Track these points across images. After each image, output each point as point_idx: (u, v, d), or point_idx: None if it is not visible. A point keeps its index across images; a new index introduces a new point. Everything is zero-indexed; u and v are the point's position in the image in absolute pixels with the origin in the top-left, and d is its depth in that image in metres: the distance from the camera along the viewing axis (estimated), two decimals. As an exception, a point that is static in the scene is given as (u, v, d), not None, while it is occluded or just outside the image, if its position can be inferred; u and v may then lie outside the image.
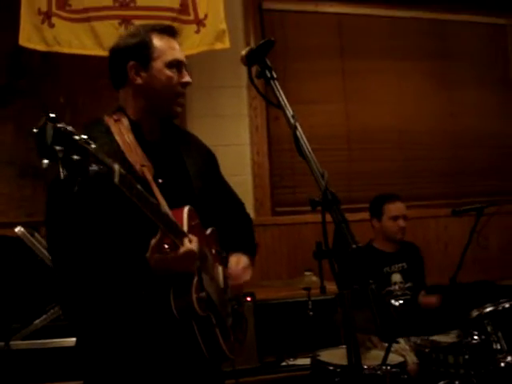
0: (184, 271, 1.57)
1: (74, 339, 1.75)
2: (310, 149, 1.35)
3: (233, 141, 4.24)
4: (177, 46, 1.78)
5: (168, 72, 1.73)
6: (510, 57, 5.21)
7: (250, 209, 4.11)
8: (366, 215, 3.76)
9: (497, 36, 5.21)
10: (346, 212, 3.66)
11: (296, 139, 1.38)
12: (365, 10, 4.79)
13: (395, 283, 3.53)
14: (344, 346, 3.01)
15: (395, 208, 3.55)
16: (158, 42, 1.74)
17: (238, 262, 1.88)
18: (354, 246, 1.18)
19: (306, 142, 1.37)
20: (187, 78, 1.79)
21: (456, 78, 5.01)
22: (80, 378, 1.72)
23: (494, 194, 4.83)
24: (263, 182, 4.27)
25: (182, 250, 1.53)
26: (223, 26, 3.60)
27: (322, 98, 4.59)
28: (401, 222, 3.53)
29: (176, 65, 1.76)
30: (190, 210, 1.67)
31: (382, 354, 2.67)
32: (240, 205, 2.13)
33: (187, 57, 1.80)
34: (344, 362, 2.70)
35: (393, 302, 3.41)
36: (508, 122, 5.08)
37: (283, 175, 4.36)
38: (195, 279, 1.59)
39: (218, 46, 3.62)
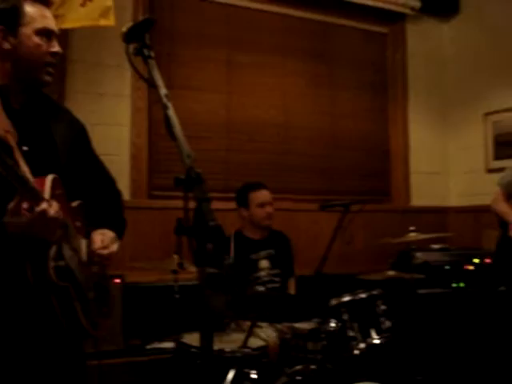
0: (43, 237, 1.54)
1: None
2: (180, 129, 1.37)
3: (113, 121, 4.15)
4: (49, 15, 1.77)
5: (37, 39, 1.72)
6: (388, 64, 5.49)
7: (125, 191, 4.10)
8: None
9: (377, 43, 5.46)
10: (222, 200, 3.76)
11: (167, 119, 1.40)
12: (255, 4, 4.85)
13: (262, 269, 3.64)
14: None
15: (261, 195, 3.67)
16: (29, 8, 1.72)
17: (103, 235, 1.87)
18: (212, 223, 1.21)
19: (176, 122, 1.39)
20: (56, 48, 1.78)
21: (337, 79, 5.20)
22: None
23: (363, 193, 5.10)
24: (141, 165, 4.22)
25: (37, 209, 1.49)
26: (109, 2, 3.51)
27: (206, 86, 4.60)
28: (268, 208, 3.66)
29: (46, 33, 1.74)
30: (54, 179, 1.64)
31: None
32: (110, 181, 2.11)
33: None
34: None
35: (258, 287, 3.53)
36: (381, 126, 5.37)
37: (162, 159, 4.33)
38: (54, 247, 1.56)
39: (103, 22, 3.52)
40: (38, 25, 1.71)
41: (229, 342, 2.80)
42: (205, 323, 1.31)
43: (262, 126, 4.78)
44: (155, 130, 4.29)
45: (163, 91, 1.46)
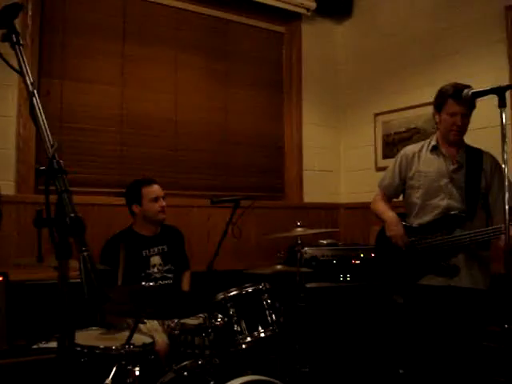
0: None
1: None
2: (44, 118, 1.33)
3: (-3, 111, 3.97)
4: None
5: None
6: (283, 63, 5.57)
7: (11, 185, 3.94)
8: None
9: (274, 42, 5.54)
10: (113, 195, 3.68)
11: (32, 106, 1.35)
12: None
13: (154, 266, 3.62)
14: (95, 328, 3.02)
15: (154, 190, 3.68)
16: None
17: None
18: (72, 215, 1.19)
19: (41, 110, 1.34)
20: None
21: (233, 76, 5.22)
22: None
23: (257, 189, 5.17)
24: (28, 158, 4.05)
25: None
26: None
27: (99, 78, 4.48)
28: (161, 202, 3.67)
29: None
30: None
31: (136, 335, 2.72)
32: None
33: None
34: (93, 343, 2.69)
35: (148, 283, 3.49)
36: (276, 124, 5.45)
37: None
38: None
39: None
40: None
41: (117, 339, 2.76)
42: (64, 319, 1.28)
43: (156, 120, 4.72)
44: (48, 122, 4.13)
45: (30, 79, 1.40)
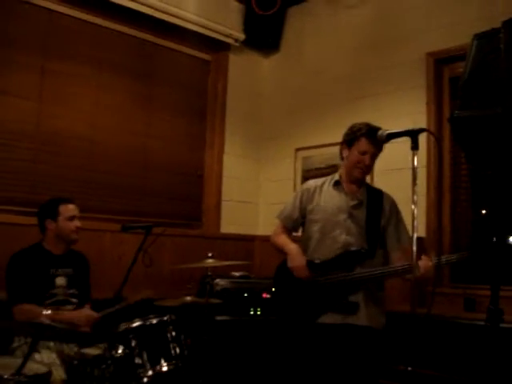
0: None
1: None
2: None
3: None
4: None
5: None
6: (208, 91, 5.56)
7: None
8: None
9: (200, 69, 5.53)
10: (22, 215, 3.51)
11: None
12: (77, 13, 4.67)
13: (59, 287, 3.48)
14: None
15: (72, 209, 3.62)
16: None
17: None
18: None
19: None
20: None
21: (157, 101, 5.17)
22: None
23: (174, 217, 5.09)
24: None
25: None
26: None
27: (16, 91, 4.30)
28: (77, 222, 3.60)
29: None
30: None
31: (31, 364, 2.57)
32: None
33: None
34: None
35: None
36: (197, 152, 5.43)
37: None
38: None
39: None
40: None
41: (9, 367, 2.58)
42: None
43: (71, 139, 4.57)
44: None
45: None
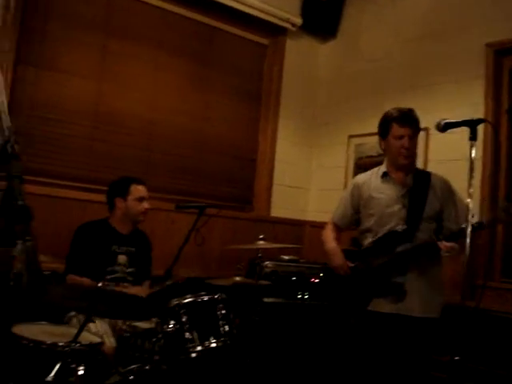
0: None
1: None
2: (4, 99, 1.29)
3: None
4: None
5: None
6: (264, 75, 5.58)
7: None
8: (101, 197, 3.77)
9: (257, 54, 5.54)
10: (82, 190, 3.62)
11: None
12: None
13: (119, 264, 3.55)
14: (44, 323, 2.94)
15: (143, 190, 3.67)
16: None
17: None
18: (20, 203, 1.15)
19: (2, 92, 1.30)
20: None
21: (214, 84, 5.21)
22: None
23: (226, 199, 5.15)
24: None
25: None
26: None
27: (76, 70, 4.41)
28: (145, 204, 3.65)
29: None
30: None
31: (85, 333, 2.66)
32: None
33: None
34: (39, 337, 2.62)
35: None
36: (251, 135, 5.45)
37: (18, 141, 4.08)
38: None
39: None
40: None
41: (64, 336, 2.69)
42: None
43: (130, 118, 4.67)
44: (15, 108, 4.03)
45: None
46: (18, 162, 1.18)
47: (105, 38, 4.57)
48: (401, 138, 3.12)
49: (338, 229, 3.50)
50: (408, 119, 3.12)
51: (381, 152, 3.43)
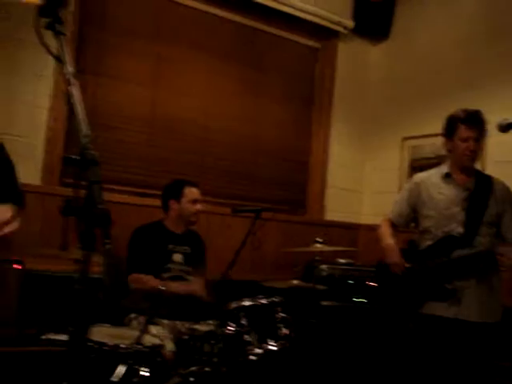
0: None
1: None
2: (82, 108, 1.34)
3: (30, 101, 4.00)
4: None
5: None
6: (316, 78, 5.58)
7: (37, 175, 3.97)
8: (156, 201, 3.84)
9: (308, 57, 5.55)
10: (138, 195, 3.70)
11: (70, 95, 1.36)
12: (189, 1, 4.81)
13: (175, 262, 3.62)
14: (106, 325, 3.01)
15: (196, 192, 3.74)
16: None
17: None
18: (100, 207, 1.18)
19: (79, 100, 1.35)
20: None
21: (264, 87, 5.24)
22: None
23: (279, 202, 5.16)
24: (56, 150, 4.08)
25: None
26: (36, -19, 3.39)
27: (132, 77, 4.53)
28: (198, 206, 3.72)
29: None
30: None
31: (146, 336, 2.71)
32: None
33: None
34: (103, 339, 2.68)
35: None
36: (304, 139, 5.45)
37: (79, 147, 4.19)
38: None
39: (28, -1, 3.41)
40: None
41: (126, 338, 2.74)
42: (80, 313, 1.27)
43: (185, 124, 4.75)
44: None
45: (70, 68, 1.42)
46: (97, 168, 1.21)
47: (157, 45, 4.66)
48: (467, 140, 3.06)
49: (394, 227, 3.46)
50: (475, 121, 3.05)
51: (439, 154, 3.39)
